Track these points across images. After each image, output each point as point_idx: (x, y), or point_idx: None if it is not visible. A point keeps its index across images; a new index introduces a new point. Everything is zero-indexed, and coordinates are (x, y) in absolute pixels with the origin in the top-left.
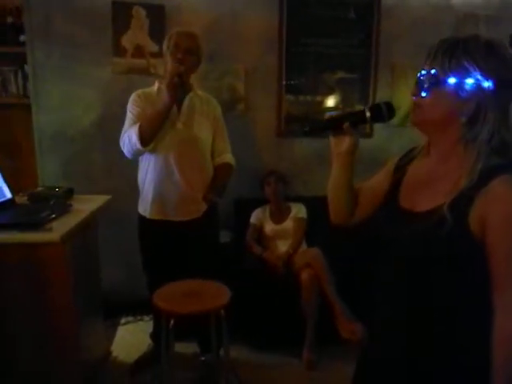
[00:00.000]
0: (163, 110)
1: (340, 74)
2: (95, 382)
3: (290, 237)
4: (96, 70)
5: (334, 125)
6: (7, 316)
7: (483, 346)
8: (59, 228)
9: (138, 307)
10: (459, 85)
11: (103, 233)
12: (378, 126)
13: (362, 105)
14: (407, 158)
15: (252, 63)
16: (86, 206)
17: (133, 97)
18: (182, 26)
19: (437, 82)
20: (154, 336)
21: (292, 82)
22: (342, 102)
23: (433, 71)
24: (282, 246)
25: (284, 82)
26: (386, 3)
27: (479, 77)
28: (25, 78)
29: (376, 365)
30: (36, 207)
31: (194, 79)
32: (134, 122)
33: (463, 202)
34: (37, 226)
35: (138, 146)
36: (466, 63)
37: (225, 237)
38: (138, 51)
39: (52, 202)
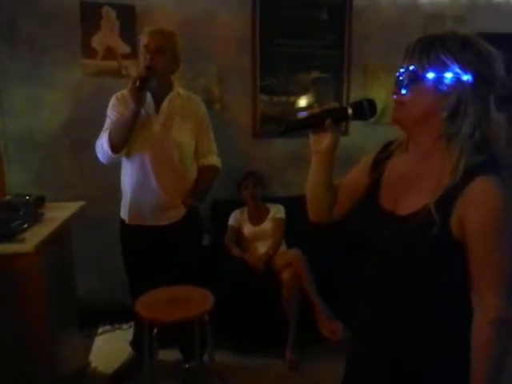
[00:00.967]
0: (130, 117)
1: (314, 74)
2: None
3: (269, 238)
4: (65, 72)
5: (315, 122)
6: None
7: (466, 346)
8: (32, 238)
9: (115, 315)
10: (438, 79)
11: (77, 240)
12: (353, 124)
13: (336, 104)
14: (386, 153)
15: (226, 64)
16: (58, 213)
17: (112, 100)
18: (154, 27)
19: (416, 79)
20: (135, 344)
21: (266, 83)
22: (317, 101)
23: (411, 68)
24: (262, 248)
25: (258, 83)
26: (357, 4)
27: (458, 70)
28: None
29: (362, 363)
30: (6, 217)
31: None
32: (106, 128)
33: (447, 202)
34: (9, 236)
35: (110, 153)
36: (443, 58)
37: (204, 240)
38: (109, 53)
39: (23, 211)
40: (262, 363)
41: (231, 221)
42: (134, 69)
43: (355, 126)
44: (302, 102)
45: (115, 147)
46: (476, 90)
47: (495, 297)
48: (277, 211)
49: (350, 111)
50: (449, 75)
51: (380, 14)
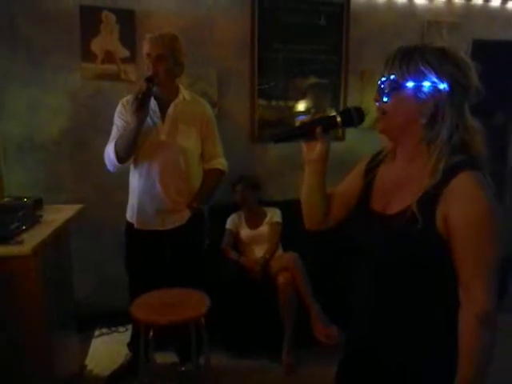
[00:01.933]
0: (134, 130)
1: (312, 79)
2: None
3: (266, 241)
4: (64, 75)
5: (306, 130)
6: None
7: (453, 342)
8: (30, 240)
9: (112, 318)
10: (417, 88)
11: (75, 243)
12: (349, 130)
13: (333, 109)
14: (376, 161)
15: (224, 68)
16: (56, 216)
17: (118, 107)
18: (153, 31)
19: (396, 87)
20: (132, 345)
21: (264, 87)
22: (314, 106)
23: (392, 77)
24: (259, 251)
25: (257, 87)
26: (354, 11)
27: (435, 79)
28: None
29: (352, 358)
30: (4, 219)
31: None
32: (115, 134)
33: (429, 200)
34: (6, 238)
35: (116, 162)
36: (422, 67)
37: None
38: (108, 57)
39: (21, 214)
40: (258, 366)
41: (228, 224)
42: (134, 73)
43: (351, 131)
44: (303, 106)
45: (121, 158)
46: (452, 97)
47: (482, 290)
48: (273, 215)
49: (338, 119)
50: (427, 84)
51: (377, 20)
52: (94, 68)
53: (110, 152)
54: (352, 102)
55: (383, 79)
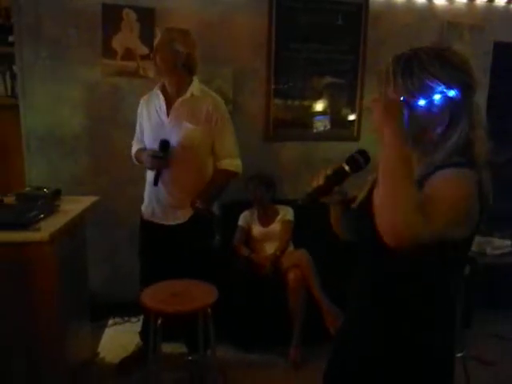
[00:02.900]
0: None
1: (328, 79)
2: (82, 382)
3: (278, 239)
4: (85, 71)
5: (324, 192)
6: None
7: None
8: (47, 227)
9: (125, 309)
10: (429, 103)
11: (92, 234)
12: (364, 129)
13: (348, 109)
14: None
15: (241, 67)
16: (73, 206)
17: (140, 103)
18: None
19: (406, 103)
20: (143, 334)
21: (280, 86)
22: (330, 106)
23: (399, 93)
24: (270, 248)
25: (272, 86)
26: (373, 10)
27: (444, 89)
28: (13, 78)
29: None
30: (24, 207)
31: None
32: (136, 136)
33: (418, 186)
34: (25, 225)
35: (137, 163)
36: (427, 81)
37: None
38: (128, 53)
39: (40, 203)
40: (265, 361)
41: (241, 221)
42: (152, 70)
43: (366, 132)
44: (319, 106)
45: (139, 163)
46: (463, 100)
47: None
48: (286, 213)
49: (347, 168)
50: (437, 97)
51: (396, 20)
52: (114, 64)
53: (132, 152)
54: (368, 103)
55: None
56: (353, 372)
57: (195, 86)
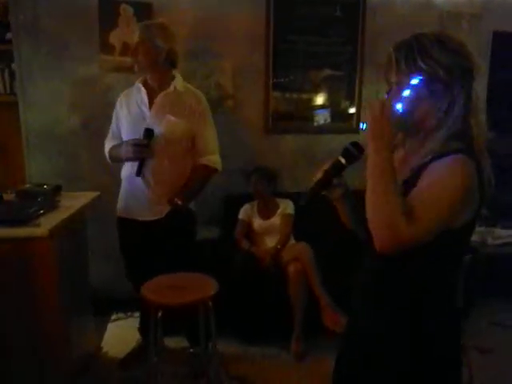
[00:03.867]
0: (119, 157)
1: (326, 72)
2: (86, 376)
3: (278, 232)
4: (83, 67)
5: (323, 185)
6: None
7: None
8: (47, 223)
9: (128, 304)
10: (431, 86)
11: (93, 229)
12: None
13: (348, 102)
14: None
15: (239, 61)
16: (73, 202)
17: (118, 100)
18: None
19: (410, 90)
20: (142, 330)
21: (279, 80)
22: (329, 99)
23: (401, 81)
24: (270, 242)
25: (271, 79)
26: (371, 2)
27: (445, 73)
28: (12, 75)
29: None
30: (24, 204)
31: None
32: (111, 132)
33: (415, 176)
34: (25, 221)
35: (110, 163)
36: (430, 65)
37: (214, 233)
38: (126, 49)
39: (40, 199)
40: (267, 353)
41: (241, 214)
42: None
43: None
44: (318, 98)
45: (114, 162)
46: (463, 84)
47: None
48: (286, 207)
49: (343, 161)
50: (439, 80)
51: (394, 11)
52: (112, 60)
53: (105, 151)
54: (367, 94)
55: (392, 85)
56: (360, 369)
57: (179, 81)
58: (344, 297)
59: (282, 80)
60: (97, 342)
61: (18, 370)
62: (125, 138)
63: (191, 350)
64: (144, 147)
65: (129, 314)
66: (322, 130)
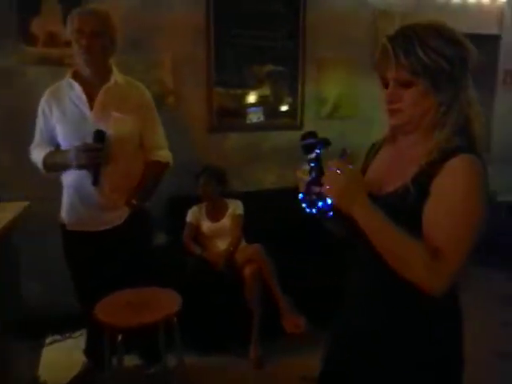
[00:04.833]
0: (67, 167)
1: (269, 67)
2: None
3: (228, 235)
4: (1, 60)
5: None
6: None
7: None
8: None
9: (64, 323)
10: (433, 79)
11: (21, 242)
12: (307, 118)
13: (291, 98)
14: (371, 154)
15: (180, 54)
16: None
17: (41, 100)
18: (84, 8)
19: (410, 84)
20: (90, 352)
21: (222, 75)
22: (272, 95)
23: (402, 74)
24: (222, 244)
25: (214, 74)
26: None
27: (447, 65)
28: None
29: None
30: None
31: (114, 64)
32: (39, 137)
33: (423, 177)
34: None
35: (45, 173)
36: (431, 57)
37: (160, 238)
38: (51, 39)
39: None
40: (225, 363)
41: (189, 217)
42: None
43: (309, 120)
44: (261, 94)
45: (49, 172)
46: (465, 77)
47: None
48: (236, 207)
49: (313, 156)
50: (441, 72)
51: (332, 7)
52: (35, 51)
53: (36, 161)
54: (310, 90)
55: (392, 79)
56: (353, 368)
57: (117, 74)
58: (300, 297)
59: (225, 75)
60: (32, 370)
61: None
62: (63, 143)
63: (152, 371)
64: (98, 152)
65: (66, 334)
66: (267, 127)
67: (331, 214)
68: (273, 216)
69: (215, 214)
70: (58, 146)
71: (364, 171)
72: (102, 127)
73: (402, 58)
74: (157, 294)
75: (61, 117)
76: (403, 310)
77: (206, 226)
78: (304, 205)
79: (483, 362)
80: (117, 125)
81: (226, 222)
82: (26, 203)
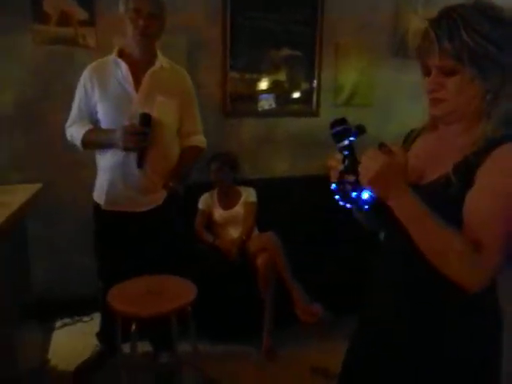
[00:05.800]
0: (109, 145)
1: (285, 51)
2: None
3: (241, 223)
4: (13, 39)
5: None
6: None
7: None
8: None
9: (75, 307)
10: (479, 66)
11: (32, 225)
12: (324, 106)
13: (307, 84)
14: (408, 141)
15: (195, 37)
16: (10, 197)
17: (83, 75)
18: None
19: (454, 72)
20: (103, 336)
21: (237, 59)
22: (288, 81)
23: (447, 61)
24: (234, 232)
25: (229, 58)
26: None
27: (495, 50)
28: None
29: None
30: None
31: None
32: (77, 113)
33: (467, 167)
34: None
35: (82, 149)
36: (478, 43)
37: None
38: (64, 18)
39: None
40: (237, 352)
41: (201, 204)
42: (93, 38)
43: (325, 108)
44: (277, 79)
45: (88, 149)
46: (510, 63)
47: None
48: (249, 195)
49: (345, 143)
50: (488, 57)
51: None
52: (47, 30)
53: (74, 138)
54: (327, 76)
55: (436, 65)
56: (377, 362)
57: (162, 58)
58: (315, 286)
59: (240, 58)
60: (43, 353)
61: None
62: (104, 122)
63: (164, 357)
64: (144, 135)
65: (76, 318)
66: (281, 113)
67: (367, 207)
68: (285, 204)
69: (228, 202)
70: (96, 123)
71: None
72: (147, 110)
73: (445, 43)
74: (172, 282)
75: (104, 95)
76: (434, 307)
77: (219, 213)
78: (337, 196)
79: None
80: (160, 109)
81: (238, 209)
82: (39, 185)
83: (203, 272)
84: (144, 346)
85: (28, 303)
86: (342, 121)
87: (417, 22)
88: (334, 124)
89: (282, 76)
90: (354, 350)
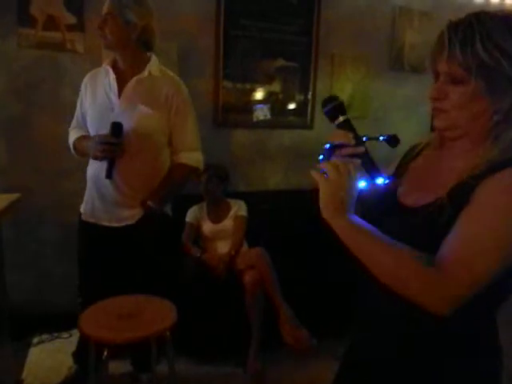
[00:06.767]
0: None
1: (280, 62)
2: None
3: (230, 237)
4: None
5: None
6: None
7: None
8: None
9: (53, 322)
10: (488, 80)
11: (9, 234)
12: (318, 118)
13: (302, 95)
14: (409, 157)
15: (186, 44)
16: None
17: (83, 82)
18: None
19: (462, 81)
20: (78, 357)
21: (230, 68)
22: (282, 92)
23: (454, 69)
24: (223, 247)
25: (222, 67)
26: None
27: (509, 66)
28: None
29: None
30: None
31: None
32: (76, 119)
33: (464, 191)
34: None
35: (77, 156)
36: (492, 54)
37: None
38: (51, 23)
39: None
40: (222, 373)
41: (189, 217)
42: (81, 43)
43: (320, 120)
44: (271, 90)
45: (79, 155)
46: None
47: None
48: (239, 208)
49: (341, 118)
50: (500, 73)
51: (349, 2)
52: (33, 35)
53: (70, 142)
54: (322, 88)
55: (444, 71)
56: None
57: (154, 65)
58: (304, 307)
59: (233, 68)
60: (17, 373)
61: None
62: (91, 130)
63: (143, 377)
64: (112, 145)
65: (54, 334)
66: (275, 124)
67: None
68: (276, 219)
69: (217, 215)
70: (88, 130)
71: (398, 175)
72: (126, 119)
73: (456, 49)
74: (151, 303)
75: (92, 102)
76: (422, 338)
77: (207, 226)
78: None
79: None
80: (141, 118)
81: (228, 223)
82: (17, 195)
83: (187, 290)
84: (124, 367)
85: (2, 317)
86: (332, 98)
87: (413, 35)
88: (325, 102)
89: (276, 87)
90: (343, 374)
